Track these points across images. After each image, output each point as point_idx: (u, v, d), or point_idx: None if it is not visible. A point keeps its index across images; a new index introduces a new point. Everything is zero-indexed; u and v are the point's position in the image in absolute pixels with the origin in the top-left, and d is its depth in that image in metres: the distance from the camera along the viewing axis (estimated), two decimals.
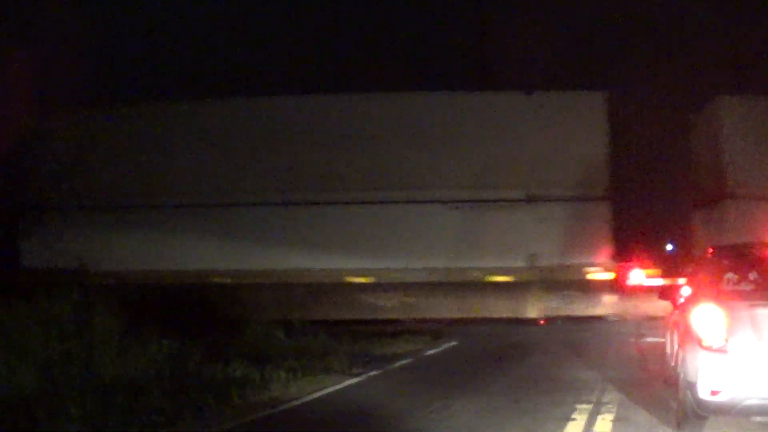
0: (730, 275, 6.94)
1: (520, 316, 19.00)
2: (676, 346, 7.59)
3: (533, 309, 19.07)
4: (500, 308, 19.04)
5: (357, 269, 18.84)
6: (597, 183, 18.38)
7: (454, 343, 15.51)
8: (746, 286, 6.82)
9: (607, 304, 18.80)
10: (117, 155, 18.98)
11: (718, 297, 6.57)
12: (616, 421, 7.47)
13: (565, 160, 18.52)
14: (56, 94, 17.98)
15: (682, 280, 10.09)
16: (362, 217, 18.90)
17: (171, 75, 24.97)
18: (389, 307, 19.22)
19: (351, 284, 18.96)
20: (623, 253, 20.56)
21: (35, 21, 18.72)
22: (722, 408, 6.26)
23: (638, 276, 19.51)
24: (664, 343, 9.22)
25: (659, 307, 12.47)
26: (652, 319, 16.79)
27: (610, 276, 18.56)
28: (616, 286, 19.16)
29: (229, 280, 18.66)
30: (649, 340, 14.07)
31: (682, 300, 8.19)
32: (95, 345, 9.50)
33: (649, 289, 18.23)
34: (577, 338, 15.48)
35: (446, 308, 19.15)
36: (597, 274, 18.48)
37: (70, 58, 19.14)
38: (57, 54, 18.48)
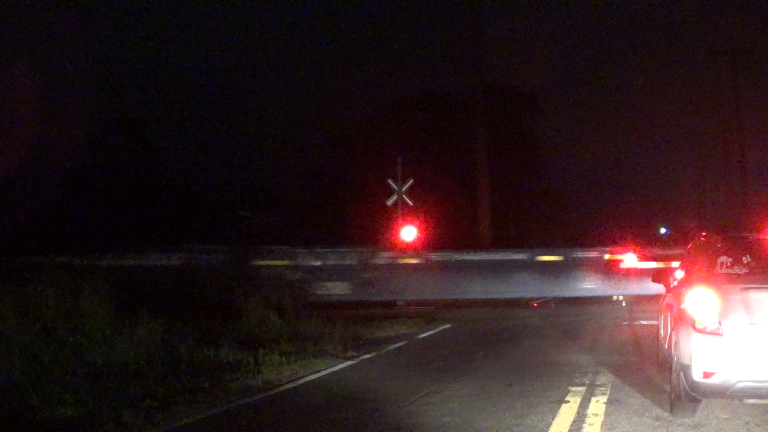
0: (723, 259, 6.95)
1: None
2: (669, 329, 7.60)
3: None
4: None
5: None
6: None
7: (447, 326, 15.51)
8: (739, 270, 6.83)
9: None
10: None
11: (712, 280, 6.59)
12: (609, 403, 7.48)
13: None
14: None
15: (675, 264, 10.12)
16: None
17: None
18: None
19: None
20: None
21: None
22: (715, 390, 6.29)
23: (631, 259, 19.62)
24: (657, 326, 9.24)
25: (652, 289, 12.55)
26: (645, 301, 16.90)
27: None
28: (609, 269, 19.31)
29: None
30: (642, 323, 14.11)
31: (675, 283, 8.20)
32: (85, 329, 9.47)
33: (643, 272, 18.37)
34: (570, 321, 15.50)
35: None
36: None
37: None
38: None
